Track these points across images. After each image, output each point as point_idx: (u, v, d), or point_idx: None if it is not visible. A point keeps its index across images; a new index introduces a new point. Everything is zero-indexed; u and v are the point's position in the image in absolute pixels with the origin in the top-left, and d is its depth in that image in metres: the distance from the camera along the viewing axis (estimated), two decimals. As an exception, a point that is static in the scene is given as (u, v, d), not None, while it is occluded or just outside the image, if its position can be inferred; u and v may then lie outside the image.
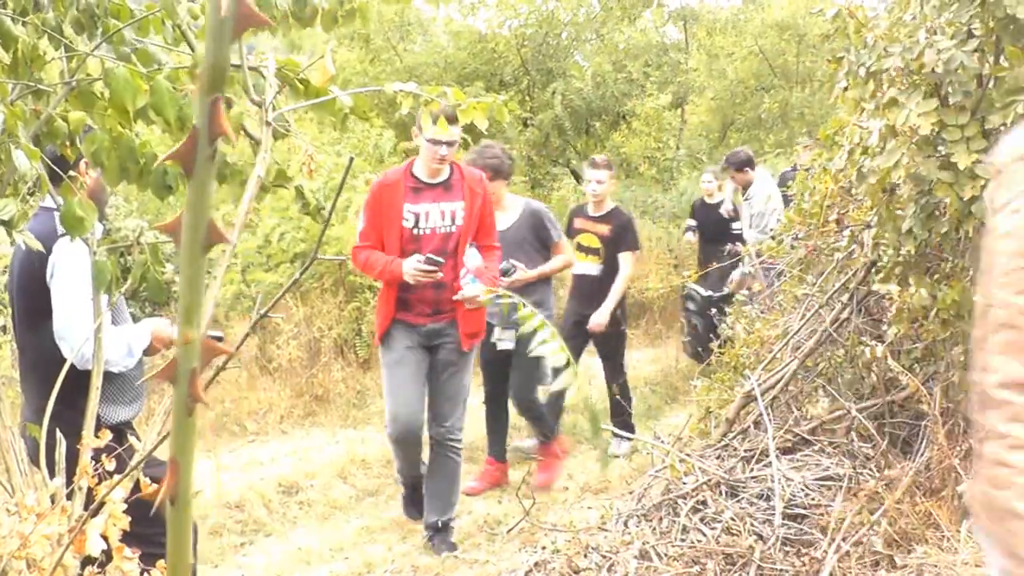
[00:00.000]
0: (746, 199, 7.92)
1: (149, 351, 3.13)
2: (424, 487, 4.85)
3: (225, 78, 0.81)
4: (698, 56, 15.27)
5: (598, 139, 14.18)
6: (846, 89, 3.48)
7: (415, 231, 4.47)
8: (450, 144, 4.38)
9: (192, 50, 1.93)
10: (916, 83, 3.17)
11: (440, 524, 4.72)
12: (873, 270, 3.96)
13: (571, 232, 6.25)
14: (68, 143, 1.97)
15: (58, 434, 2.06)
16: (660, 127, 13.34)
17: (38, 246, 1.92)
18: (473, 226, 4.57)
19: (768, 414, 4.10)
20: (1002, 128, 3.02)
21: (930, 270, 3.62)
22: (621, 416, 6.04)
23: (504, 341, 5.42)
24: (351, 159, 1.72)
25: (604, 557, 3.38)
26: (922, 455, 3.65)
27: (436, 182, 4.52)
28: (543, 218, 5.63)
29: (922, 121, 2.99)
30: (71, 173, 1.88)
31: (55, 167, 1.84)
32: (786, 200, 6.89)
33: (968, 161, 2.98)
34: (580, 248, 6.21)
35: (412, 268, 4.33)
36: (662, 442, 4.34)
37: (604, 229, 6.11)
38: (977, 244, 3.26)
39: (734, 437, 4.29)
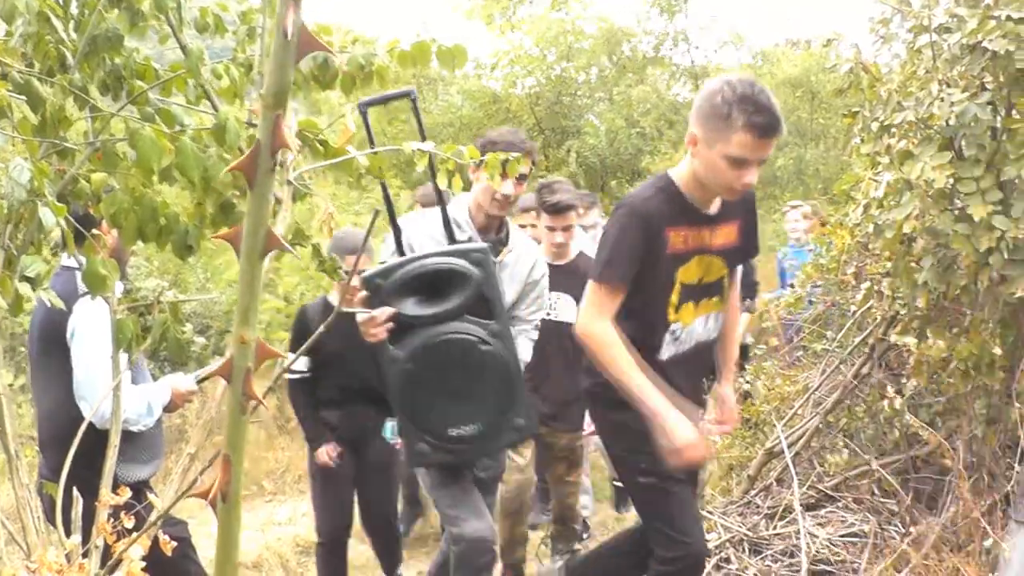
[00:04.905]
0: None
1: (169, 408, 3.13)
2: None
3: (287, 97, 0.83)
4: (711, 113, 15.38)
5: (613, 197, 14.24)
6: (861, 143, 3.50)
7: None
8: None
9: (216, 110, 1.96)
10: (930, 136, 3.18)
11: None
12: (892, 323, 3.94)
13: None
14: (92, 203, 1.99)
15: (75, 492, 2.05)
16: (675, 184, 13.35)
17: (61, 304, 1.93)
18: None
19: (793, 469, 4.06)
20: (1016, 180, 3.02)
21: (949, 323, 3.59)
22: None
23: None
24: (376, 212, 1.73)
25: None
26: (947, 510, 3.60)
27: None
28: None
29: (936, 174, 2.99)
30: (94, 232, 1.89)
31: (79, 226, 1.86)
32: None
33: (984, 213, 2.97)
34: None
35: None
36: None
37: None
38: (995, 296, 3.24)
39: (756, 494, 4.25)
